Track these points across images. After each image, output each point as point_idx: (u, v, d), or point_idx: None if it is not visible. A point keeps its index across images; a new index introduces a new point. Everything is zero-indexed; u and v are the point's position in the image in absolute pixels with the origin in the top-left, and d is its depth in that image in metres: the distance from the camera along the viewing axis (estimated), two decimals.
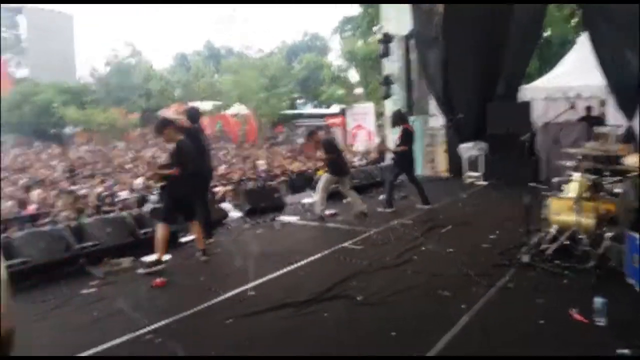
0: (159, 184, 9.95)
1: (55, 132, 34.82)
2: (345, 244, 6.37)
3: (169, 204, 5.89)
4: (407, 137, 8.36)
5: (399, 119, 8.77)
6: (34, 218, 8.25)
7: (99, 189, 10.70)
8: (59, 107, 34.66)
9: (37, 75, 41.67)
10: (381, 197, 8.94)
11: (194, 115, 6.99)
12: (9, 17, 53.26)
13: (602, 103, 11.36)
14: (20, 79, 45.79)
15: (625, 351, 2.96)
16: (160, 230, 5.62)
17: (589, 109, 10.66)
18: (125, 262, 5.65)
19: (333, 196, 8.23)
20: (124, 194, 10.05)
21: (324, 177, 7.99)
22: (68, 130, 37.59)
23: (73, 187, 6.47)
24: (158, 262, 5.57)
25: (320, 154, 7.90)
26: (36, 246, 5.18)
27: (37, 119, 35.00)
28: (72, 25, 54.83)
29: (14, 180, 12.82)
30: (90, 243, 5.65)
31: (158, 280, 5.04)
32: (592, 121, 10.14)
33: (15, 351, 0.82)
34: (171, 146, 5.81)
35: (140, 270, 5.55)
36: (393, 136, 11.68)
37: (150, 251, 5.89)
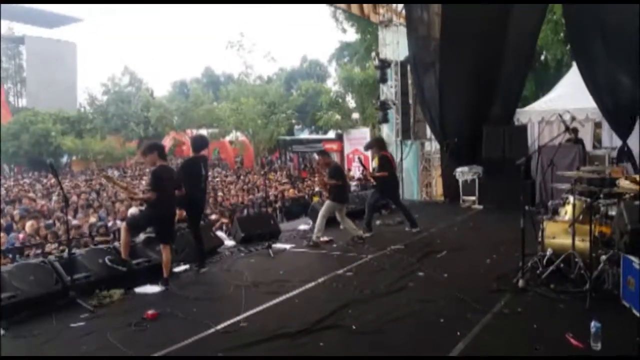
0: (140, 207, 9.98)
1: (51, 162, 34.83)
2: (340, 271, 6.30)
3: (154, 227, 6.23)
4: (385, 164, 8.38)
5: (375, 145, 8.79)
6: (22, 250, 8.15)
7: (92, 219, 10.63)
8: (56, 136, 34.61)
9: (38, 104, 41.28)
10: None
11: (197, 143, 7.10)
12: (11, 48, 53.54)
13: (598, 125, 11.39)
14: (20, 109, 45.76)
15: None
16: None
17: (574, 130, 10.63)
18: (116, 294, 5.55)
19: (329, 223, 8.19)
20: (117, 224, 9.97)
21: (327, 204, 8.00)
22: (65, 159, 37.49)
23: (67, 218, 6.40)
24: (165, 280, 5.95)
25: (325, 177, 7.92)
26: (25, 279, 5.07)
27: (33, 148, 34.76)
28: (76, 54, 54.54)
29: (7, 212, 12.69)
30: (81, 275, 5.55)
31: (150, 312, 4.95)
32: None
33: None
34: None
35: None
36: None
37: (143, 282, 5.87)
